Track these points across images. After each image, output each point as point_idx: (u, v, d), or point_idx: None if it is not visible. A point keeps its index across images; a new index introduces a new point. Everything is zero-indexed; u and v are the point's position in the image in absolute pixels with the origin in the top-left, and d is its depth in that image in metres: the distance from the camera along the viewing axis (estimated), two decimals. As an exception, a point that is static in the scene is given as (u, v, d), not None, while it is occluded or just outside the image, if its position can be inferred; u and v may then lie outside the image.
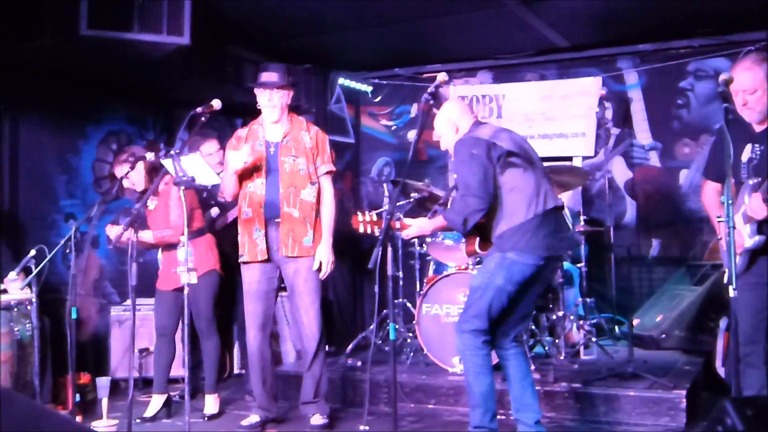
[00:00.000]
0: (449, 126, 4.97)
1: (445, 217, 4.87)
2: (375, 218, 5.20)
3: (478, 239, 4.94)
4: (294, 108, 8.36)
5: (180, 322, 6.32)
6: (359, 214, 5.21)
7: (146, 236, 5.97)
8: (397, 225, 5.01)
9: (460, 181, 4.78)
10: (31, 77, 6.80)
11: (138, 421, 6.01)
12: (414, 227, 5.05)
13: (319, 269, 5.66)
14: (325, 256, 5.65)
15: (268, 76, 5.64)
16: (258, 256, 5.61)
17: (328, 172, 5.77)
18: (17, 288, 5.71)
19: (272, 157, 5.64)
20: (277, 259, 5.65)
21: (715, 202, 4.57)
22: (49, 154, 7.20)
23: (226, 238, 6.56)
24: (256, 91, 5.68)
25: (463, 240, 5.09)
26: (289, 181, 5.60)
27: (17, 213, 6.83)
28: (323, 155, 5.75)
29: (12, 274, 5.68)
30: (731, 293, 3.58)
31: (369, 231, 5.19)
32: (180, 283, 5.96)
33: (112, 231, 5.94)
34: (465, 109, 5.05)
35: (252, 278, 5.67)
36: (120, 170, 6.04)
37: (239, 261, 5.73)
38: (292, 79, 5.78)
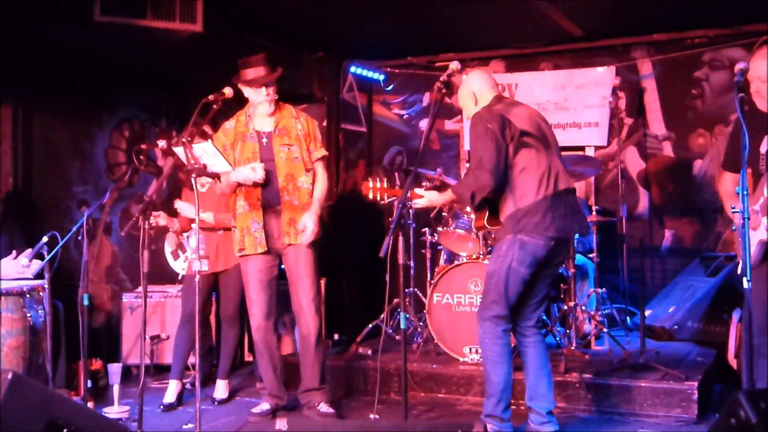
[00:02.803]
0: (470, 97, 4.98)
1: (454, 190, 4.89)
2: (386, 186, 5.20)
3: (487, 214, 4.95)
4: (306, 96, 8.39)
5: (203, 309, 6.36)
6: (369, 180, 5.20)
7: (206, 217, 5.98)
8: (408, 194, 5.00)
9: (472, 154, 4.79)
10: (44, 63, 6.80)
11: (160, 408, 6.05)
12: (424, 198, 5.08)
13: (313, 254, 5.62)
14: (310, 222, 5.53)
15: (257, 71, 5.53)
16: (258, 248, 5.58)
17: (321, 158, 5.72)
18: (22, 266, 5.72)
19: (265, 148, 5.59)
20: (277, 248, 5.64)
21: (732, 193, 4.54)
22: (63, 141, 7.21)
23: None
24: (246, 88, 5.59)
25: (473, 215, 5.09)
26: (287, 170, 5.55)
27: (31, 199, 6.84)
28: (315, 141, 5.70)
29: (24, 260, 5.69)
30: (745, 285, 3.56)
31: (378, 198, 5.20)
32: (218, 267, 6.04)
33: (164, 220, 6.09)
34: (488, 82, 5.02)
35: (255, 268, 5.64)
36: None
37: (238, 254, 5.70)
38: (276, 68, 5.65)
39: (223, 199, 6.07)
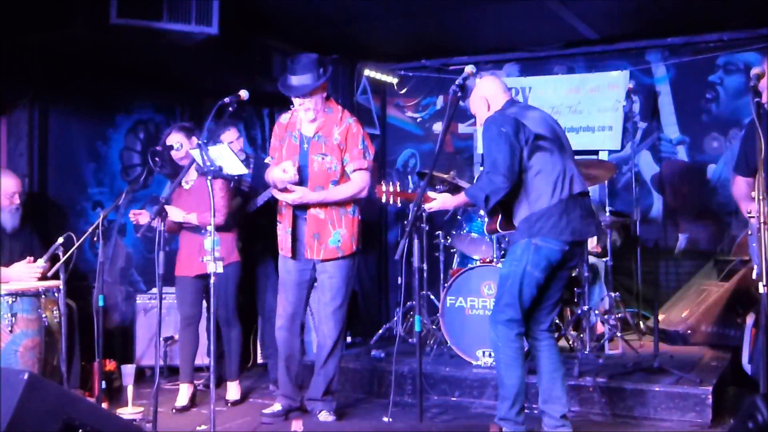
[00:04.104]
0: (482, 102, 4.98)
1: (468, 193, 4.89)
2: (398, 189, 5.20)
3: (500, 218, 4.94)
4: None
5: (203, 310, 6.38)
6: (383, 184, 5.20)
7: (191, 217, 5.99)
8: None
9: (486, 158, 4.79)
10: (61, 65, 6.83)
11: (173, 411, 6.07)
12: (437, 201, 5.06)
13: (343, 268, 5.54)
14: (304, 192, 5.40)
15: (299, 80, 5.38)
16: (285, 252, 5.60)
17: (357, 169, 5.51)
18: (37, 268, 5.75)
19: (304, 154, 5.50)
20: (306, 255, 5.58)
21: (746, 196, 4.53)
22: (78, 142, 7.24)
23: (253, 225, 6.62)
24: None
25: (486, 218, 5.10)
26: (317, 181, 5.45)
27: (46, 200, 6.88)
28: (352, 151, 5.48)
29: (40, 261, 5.73)
30: (761, 289, 3.56)
31: (391, 201, 5.20)
32: (202, 269, 6.03)
33: (142, 218, 6.00)
34: (500, 86, 5.03)
35: (284, 268, 5.66)
36: (175, 137, 6.07)
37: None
38: (326, 71, 5.47)
39: (207, 198, 6.06)
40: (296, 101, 5.48)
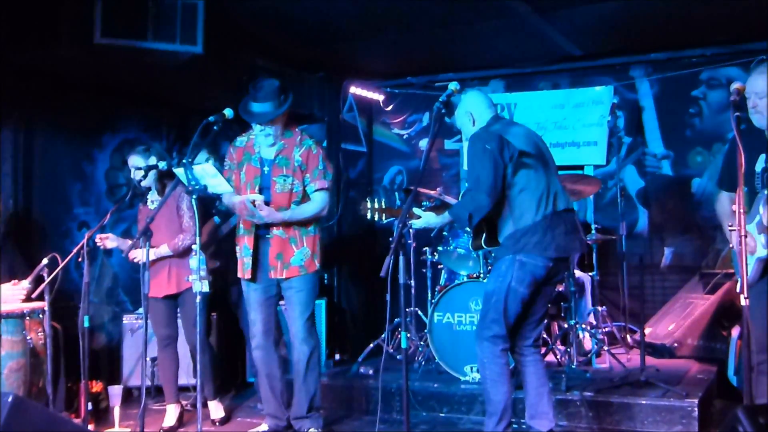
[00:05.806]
0: (467, 117, 5.00)
1: (451, 212, 4.90)
2: (384, 206, 5.22)
3: (485, 234, 4.95)
4: (306, 117, 8.38)
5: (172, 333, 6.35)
6: (368, 200, 5.22)
7: (162, 251, 5.99)
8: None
9: (470, 174, 4.80)
10: (46, 85, 6.83)
11: (161, 431, 6.05)
12: (422, 220, 5.07)
13: (306, 283, 5.54)
14: (271, 210, 5.41)
15: (261, 107, 5.42)
16: (244, 275, 5.58)
17: (318, 190, 5.55)
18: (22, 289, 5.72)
19: (266, 177, 5.52)
20: (268, 275, 5.56)
21: (729, 211, 4.55)
22: (64, 162, 7.22)
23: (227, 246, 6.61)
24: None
25: (472, 235, 5.13)
26: (279, 202, 5.47)
27: (31, 220, 6.86)
28: (313, 172, 5.53)
29: (25, 282, 5.70)
30: (743, 302, 3.57)
31: (377, 217, 5.22)
32: (170, 290, 6.02)
33: (108, 242, 6.02)
34: (485, 101, 5.05)
35: (249, 288, 5.63)
36: (135, 160, 6.07)
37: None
38: (287, 99, 5.50)
39: (175, 220, 6.07)
40: (257, 127, 5.50)
